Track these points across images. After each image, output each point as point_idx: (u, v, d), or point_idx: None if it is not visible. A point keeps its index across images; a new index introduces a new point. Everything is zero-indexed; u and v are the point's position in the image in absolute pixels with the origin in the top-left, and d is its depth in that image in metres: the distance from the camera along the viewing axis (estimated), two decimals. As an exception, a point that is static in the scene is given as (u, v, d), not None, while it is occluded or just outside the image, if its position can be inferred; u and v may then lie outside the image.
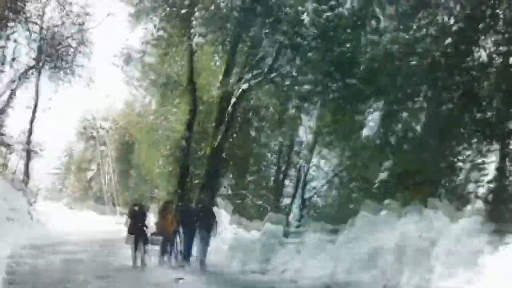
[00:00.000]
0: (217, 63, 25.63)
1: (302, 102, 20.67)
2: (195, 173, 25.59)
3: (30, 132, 29.48)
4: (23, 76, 26.80)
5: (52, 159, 47.02)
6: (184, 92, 24.61)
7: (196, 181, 25.34)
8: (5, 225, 21.44)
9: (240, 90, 20.60)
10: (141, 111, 37.21)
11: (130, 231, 15.26)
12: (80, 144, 47.82)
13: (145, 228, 15.43)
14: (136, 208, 16.33)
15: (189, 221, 16.09)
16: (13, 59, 26.02)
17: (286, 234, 18.18)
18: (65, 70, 28.61)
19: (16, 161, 28.80)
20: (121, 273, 13.30)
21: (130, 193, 40.91)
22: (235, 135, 26.38)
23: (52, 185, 52.03)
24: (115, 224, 35.53)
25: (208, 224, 16.02)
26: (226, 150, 23.73)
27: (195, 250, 16.25)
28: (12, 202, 24.54)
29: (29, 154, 29.23)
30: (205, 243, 15.94)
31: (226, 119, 21.18)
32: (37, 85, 29.50)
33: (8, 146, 26.41)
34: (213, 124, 21.89)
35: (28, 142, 28.98)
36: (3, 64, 25.25)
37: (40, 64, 28.19)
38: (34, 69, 27.98)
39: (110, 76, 42.04)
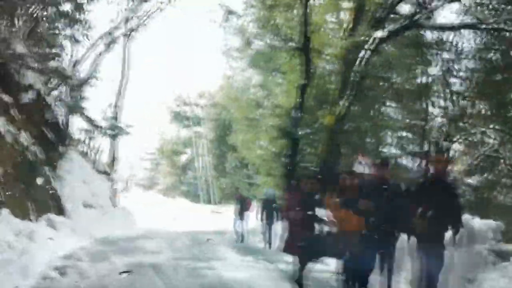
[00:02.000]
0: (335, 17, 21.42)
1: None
2: (307, 151, 21.41)
3: (116, 107, 26.56)
4: (110, 40, 23.70)
5: (144, 142, 45.09)
6: (295, 54, 20.52)
7: (305, 164, 21.19)
8: (81, 213, 18.40)
9: (373, 40, 16.06)
10: (241, 85, 33.60)
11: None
12: (173, 125, 45.07)
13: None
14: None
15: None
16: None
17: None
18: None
19: (100, 141, 25.86)
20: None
21: (227, 179, 37.62)
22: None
23: (144, 171, 50.18)
24: (211, 213, 32.87)
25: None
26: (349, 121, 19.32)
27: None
28: (93, 187, 21.64)
29: (115, 134, 26.30)
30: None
31: (353, 79, 16.74)
32: (124, 52, 26.52)
33: (91, 122, 23.50)
34: (335, 87, 17.58)
35: (115, 119, 26.04)
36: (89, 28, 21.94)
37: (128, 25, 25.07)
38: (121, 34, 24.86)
39: (206, 48, 38.58)
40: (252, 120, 30.01)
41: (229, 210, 33.28)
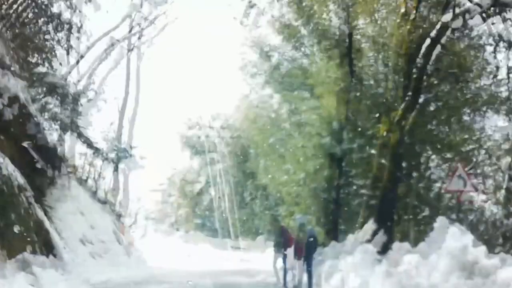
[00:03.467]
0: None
1: None
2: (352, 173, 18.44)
3: (120, 130, 23.74)
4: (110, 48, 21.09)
5: (154, 172, 41.93)
6: (332, 53, 17.74)
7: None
8: (76, 251, 15.41)
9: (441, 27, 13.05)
10: (260, 104, 30.82)
11: None
12: (185, 152, 42.25)
13: None
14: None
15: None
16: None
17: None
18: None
19: (102, 167, 22.93)
20: None
21: (246, 210, 34.93)
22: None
23: (155, 204, 46.93)
24: (230, 249, 29.83)
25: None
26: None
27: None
28: (93, 219, 18.70)
29: (118, 158, 23.36)
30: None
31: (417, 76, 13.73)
32: (128, 67, 23.91)
33: (88, 143, 20.61)
34: (391, 88, 14.60)
35: (118, 141, 23.15)
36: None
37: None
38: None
39: (220, 65, 36.06)
40: (274, 143, 27.45)
41: (250, 245, 30.58)
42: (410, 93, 14.63)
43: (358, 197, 18.90)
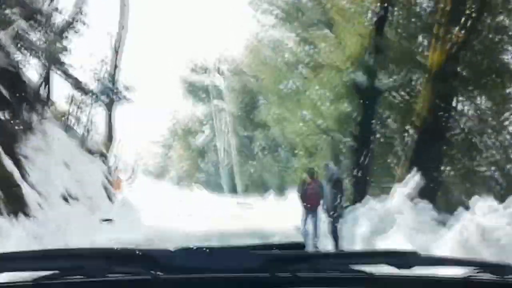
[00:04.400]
0: None
1: None
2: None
3: (115, 66, 21.02)
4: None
5: (153, 120, 39.79)
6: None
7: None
8: (56, 210, 13.06)
9: None
10: (272, 45, 28.20)
11: None
12: (188, 100, 39.54)
13: None
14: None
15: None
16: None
17: None
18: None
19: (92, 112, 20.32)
20: None
21: (255, 163, 32.81)
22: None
23: (154, 157, 44.94)
24: (238, 206, 27.75)
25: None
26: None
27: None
28: (79, 172, 16.30)
29: (112, 102, 20.73)
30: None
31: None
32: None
33: (76, 83, 17.99)
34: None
35: (112, 81, 20.49)
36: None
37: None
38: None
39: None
40: (288, 87, 25.01)
41: (260, 201, 28.46)
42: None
43: (392, 145, 16.38)
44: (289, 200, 23.16)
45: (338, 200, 11.44)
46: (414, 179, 12.37)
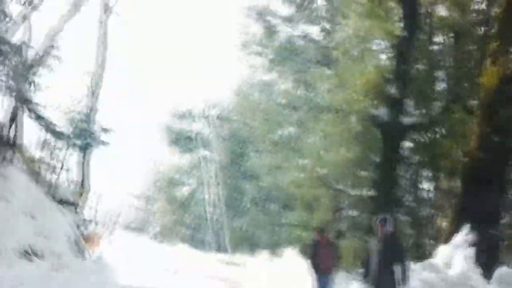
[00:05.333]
0: None
1: None
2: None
3: (91, 108, 19.37)
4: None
5: (135, 172, 38.22)
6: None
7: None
8: (12, 269, 11.13)
9: None
10: (264, 89, 26.98)
11: None
12: (173, 149, 38.03)
13: None
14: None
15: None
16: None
17: None
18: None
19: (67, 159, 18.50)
20: None
21: (244, 218, 31.57)
22: None
23: (135, 211, 42.88)
24: (226, 265, 26.59)
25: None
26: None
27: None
28: (45, 224, 14.39)
29: (87, 146, 18.92)
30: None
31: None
32: (100, 30, 19.70)
33: (47, 124, 16.25)
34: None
35: (88, 124, 18.77)
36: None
37: None
38: None
39: (214, 43, 32.23)
40: (284, 134, 23.71)
41: (251, 261, 26.34)
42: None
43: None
44: (285, 260, 21.26)
45: (401, 270, 8.22)
46: (467, 237, 10.35)
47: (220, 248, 32.86)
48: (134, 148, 33.75)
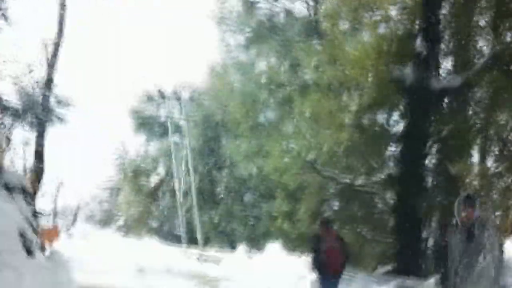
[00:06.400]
0: None
1: None
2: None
3: (47, 79, 17.18)
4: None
5: (99, 159, 36.47)
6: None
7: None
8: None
9: None
10: (243, 69, 25.32)
11: None
12: (140, 135, 36.14)
13: None
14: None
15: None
16: None
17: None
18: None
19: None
20: None
21: (219, 209, 29.92)
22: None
23: (100, 201, 41.21)
24: (198, 261, 25.29)
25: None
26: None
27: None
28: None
29: (40, 122, 16.68)
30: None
31: None
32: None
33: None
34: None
35: (44, 97, 16.54)
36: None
37: None
38: None
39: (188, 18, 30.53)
40: (266, 117, 22.22)
41: (225, 256, 24.62)
42: None
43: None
44: (266, 256, 19.50)
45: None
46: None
47: (191, 242, 31.28)
48: (97, 131, 31.80)
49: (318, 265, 8.76)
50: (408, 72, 12.17)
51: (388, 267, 14.43)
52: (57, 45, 17.95)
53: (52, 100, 16.33)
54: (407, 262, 13.13)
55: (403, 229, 13.53)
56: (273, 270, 17.70)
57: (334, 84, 16.86)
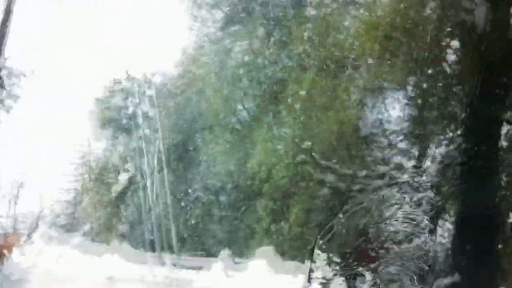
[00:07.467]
0: None
1: None
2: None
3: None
4: None
5: (62, 158, 34.43)
6: None
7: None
8: None
9: None
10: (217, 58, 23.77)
11: None
12: (106, 130, 34.62)
13: None
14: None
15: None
16: None
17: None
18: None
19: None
20: None
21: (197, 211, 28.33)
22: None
23: (64, 205, 39.31)
24: (172, 270, 24.55)
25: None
26: None
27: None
28: None
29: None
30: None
31: None
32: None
33: None
34: None
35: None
36: None
37: None
38: None
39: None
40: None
41: (205, 261, 23.03)
42: None
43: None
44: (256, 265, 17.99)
45: None
46: None
47: (165, 248, 29.61)
48: (58, 125, 29.75)
49: None
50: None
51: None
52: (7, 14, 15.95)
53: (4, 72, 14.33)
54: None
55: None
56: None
57: (332, 59, 14.77)
